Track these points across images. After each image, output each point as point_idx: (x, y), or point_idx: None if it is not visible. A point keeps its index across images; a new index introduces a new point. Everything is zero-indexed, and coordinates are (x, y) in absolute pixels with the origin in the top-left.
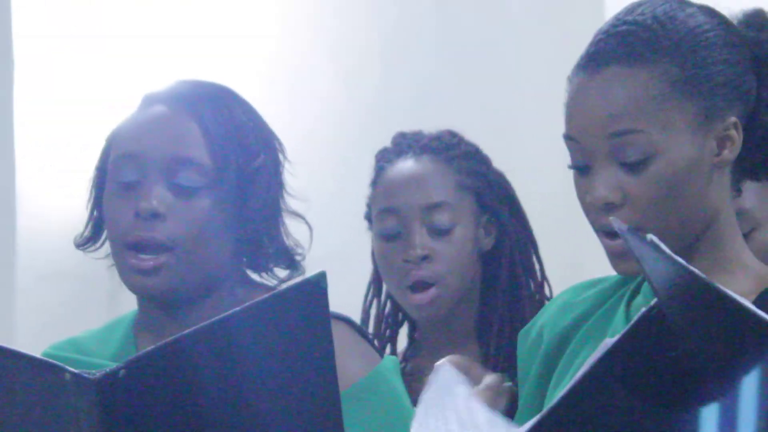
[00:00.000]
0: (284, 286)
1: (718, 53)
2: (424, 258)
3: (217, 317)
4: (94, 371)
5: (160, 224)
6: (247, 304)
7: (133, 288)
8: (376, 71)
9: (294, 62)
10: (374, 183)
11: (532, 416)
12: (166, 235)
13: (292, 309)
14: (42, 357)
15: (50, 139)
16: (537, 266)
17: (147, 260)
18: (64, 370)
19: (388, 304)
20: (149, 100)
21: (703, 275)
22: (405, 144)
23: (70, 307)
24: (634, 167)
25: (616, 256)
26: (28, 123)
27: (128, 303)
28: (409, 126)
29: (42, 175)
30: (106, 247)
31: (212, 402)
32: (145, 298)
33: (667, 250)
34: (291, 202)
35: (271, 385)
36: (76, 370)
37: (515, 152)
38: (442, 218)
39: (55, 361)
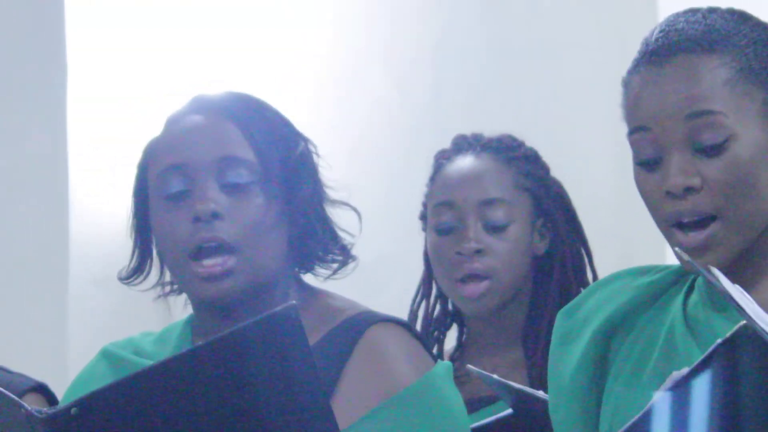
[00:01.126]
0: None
1: None
2: (478, 252)
3: (174, 354)
4: (45, 409)
5: (220, 224)
6: (208, 339)
7: (203, 297)
8: (428, 75)
9: (346, 67)
10: (432, 179)
11: (582, 397)
12: (228, 235)
13: (261, 343)
14: (2, 390)
15: (103, 143)
16: (590, 276)
17: (214, 266)
18: (20, 406)
19: (437, 306)
20: (182, 113)
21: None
22: (465, 143)
23: (122, 312)
24: (711, 151)
25: (692, 252)
26: (81, 127)
27: (180, 308)
28: (459, 130)
29: (95, 179)
30: (150, 280)
31: None
32: (216, 305)
33: (725, 284)
34: (334, 195)
35: (237, 418)
36: (29, 407)
37: (566, 156)
38: (497, 214)
39: (12, 396)
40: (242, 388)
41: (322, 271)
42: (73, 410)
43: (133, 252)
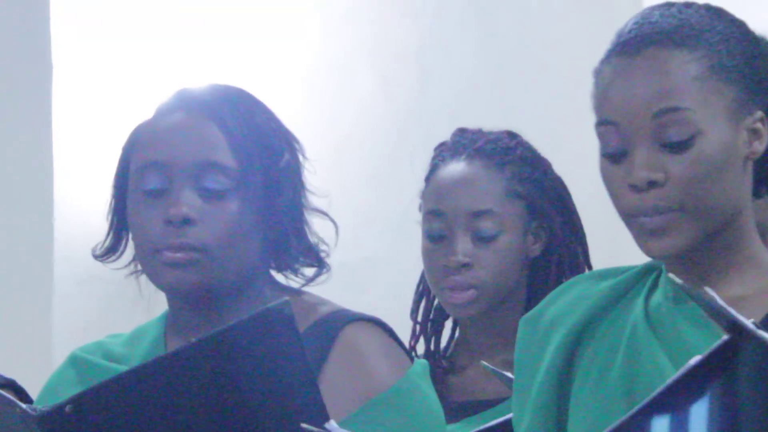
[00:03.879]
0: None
1: (749, 47)
2: (465, 265)
3: (169, 351)
4: (39, 407)
5: (191, 229)
6: (201, 336)
7: (166, 283)
8: (415, 75)
9: (333, 65)
10: (427, 179)
11: (547, 408)
12: (198, 240)
13: (255, 338)
14: None
15: (88, 144)
16: (586, 271)
17: (179, 255)
18: (15, 405)
19: (437, 300)
20: (168, 107)
21: (753, 328)
22: (462, 143)
23: (107, 311)
24: (676, 147)
25: (650, 234)
26: (66, 126)
27: (166, 306)
28: (446, 130)
29: (80, 178)
30: (126, 257)
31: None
32: (178, 294)
33: (722, 303)
34: (313, 200)
35: (231, 415)
36: (24, 405)
37: (554, 156)
38: (486, 225)
39: (6, 395)
40: (236, 385)
41: (294, 278)
42: (68, 408)
43: (109, 231)
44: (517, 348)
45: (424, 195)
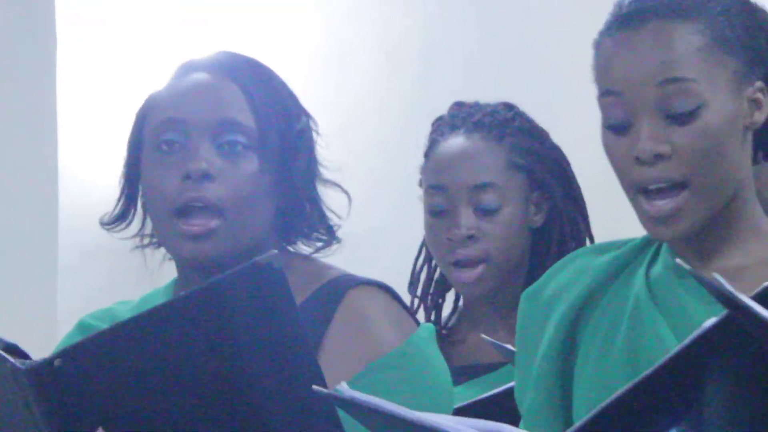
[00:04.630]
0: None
1: (748, 18)
2: (470, 237)
3: (157, 304)
4: (27, 361)
5: (209, 185)
6: (191, 289)
7: (183, 256)
8: (418, 48)
9: (337, 37)
10: (426, 155)
11: (550, 383)
12: (216, 197)
13: (245, 291)
14: None
15: (92, 115)
16: (588, 242)
17: (197, 225)
18: (4, 360)
19: (437, 271)
20: (187, 68)
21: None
22: (459, 117)
23: (112, 282)
24: (681, 118)
25: (654, 220)
26: (70, 97)
27: (168, 276)
28: (449, 103)
29: (84, 149)
30: (133, 228)
31: (155, 388)
32: (195, 265)
33: (731, 289)
34: (327, 174)
35: (218, 367)
36: (12, 359)
37: (558, 131)
38: (489, 198)
39: None
40: (225, 338)
41: (304, 247)
42: (57, 361)
43: (119, 199)
44: (518, 323)
45: (425, 170)
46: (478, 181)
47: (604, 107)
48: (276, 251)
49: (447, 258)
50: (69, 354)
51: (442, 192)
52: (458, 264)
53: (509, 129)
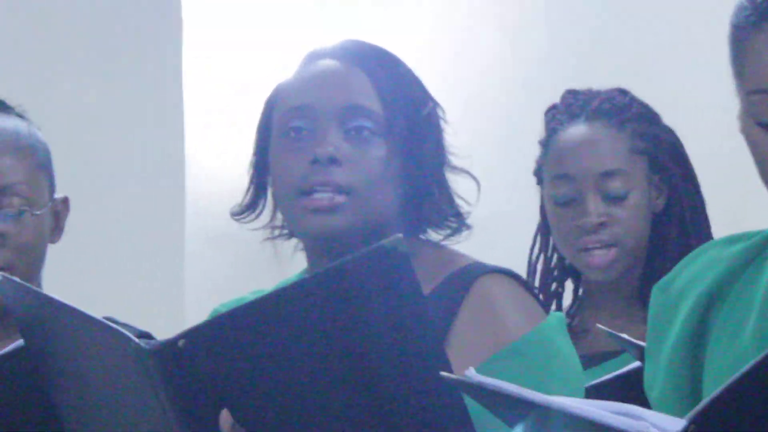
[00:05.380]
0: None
1: None
2: (601, 225)
3: (281, 286)
4: (152, 341)
5: (336, 169)
6: (317, 271)
7: (309, 230)
8: (542, 30)
9: (459, 22)
10: (545, 145)
11: (679, 372)
12: (343, 180)
13: (370, 275)
14: (112, 325)
15: (218, 102)
16: (705, 225)
17: (323, 199)
18: (129, 340)
19: (554, 258)
20: (315, 56)
21: None
22: (576, 106)
23: (238, 269)
24: None
25: None
26: (196, 87)
27: (297, 264)
28: (573, 84)
29: (211, 137)
30: (262, 219)
31: (279, 369)
32: (321, 240)
33: None
34: (455, 161)
35: (343, 349)
36: (137, 340)
37: (680, 111)
38: (616, 185)
39: (121, 330)
40: (350, 320)
41: (434, 234)
42: (181, 342)
43: (248, 188)
44: (649, 314)
45: (546, 160)
46: (604, 168)
47: (755, 104)
48: (401, 235)
49: (577, 245)
50: (193, 335)
51: (569, 181)
52: (588, 249)
53: (628, 115)
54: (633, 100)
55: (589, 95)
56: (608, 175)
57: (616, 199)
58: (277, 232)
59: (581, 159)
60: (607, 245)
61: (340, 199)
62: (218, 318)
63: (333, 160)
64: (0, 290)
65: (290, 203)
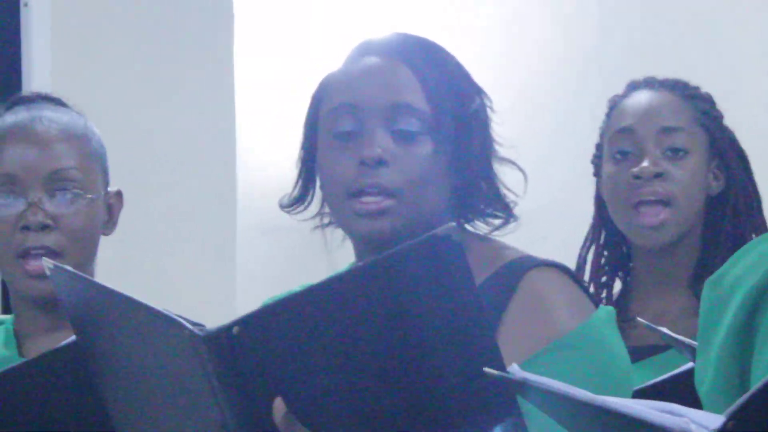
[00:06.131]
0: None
1: None
2: (657, 176)
3: (335, 274)
4: (206, 328)
5: (384, 171)
6: (370, 259)
7: (358, 233)
8: (594, 18)
9: (511, 10)
10: (608, 116)
11: (729, 367)
12: (391, 182)
13: (423, 264)
14: (165, 311)
15: (270, 93)
16: (760, 221)
17: (372, 203)
18: (182, 326)
19: (606, 252)
20: (362, 51)
21: None
22: (642, 82)
23: (290, 261)
24: None
25: None
26: (248, 79)
27: (347, 257)
28: (625, 74)
29: (262, 130)
30: (312, 208)
31: (331, 357)
32: (370, 243)
33: None
34: (502, 151)
35: (395, 338)
36: (191, 326)
37: (738, 103)
38: (677, 140)
39: (174, 316)
40: (402, 309)
41: (481, 226)
42: (235, 329)
43: (297, 181)
44: (701, 308)
45: (607, 127)
46: (666, 124)
47: None
48: (454, 224)
49: (631, 199)
50: (248, 322)
51: (630, 134)
52: (641, 206)
53: (696, 92)
54: (698, 87)
55: (653, 77)
56: (670, 130)
57: (676, 155)
58: (326, 220)
59: (645, 114)
60: (661, 201)
61: (388, 202)
62: (272, 305)
63: (381, 162)
64: (52, 279)
65: (339, 205)
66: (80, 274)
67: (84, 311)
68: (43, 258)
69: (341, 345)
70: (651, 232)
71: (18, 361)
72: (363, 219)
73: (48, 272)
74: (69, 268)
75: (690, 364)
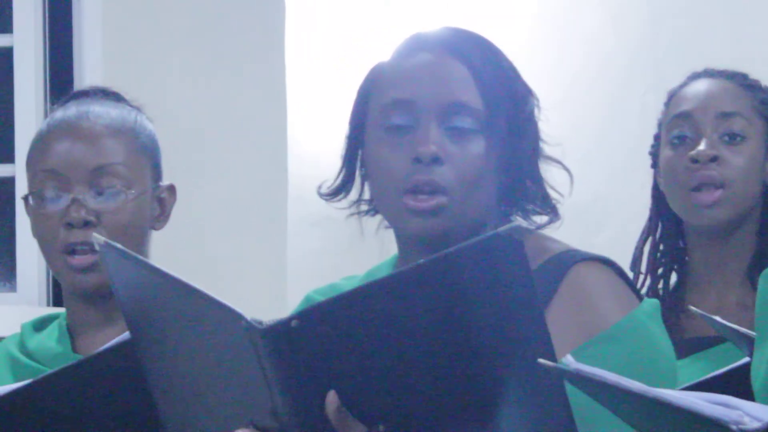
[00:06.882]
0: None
1: None
2: (713, 159)
3: (397, 270)
4: (265, 321)
5: (438, 169)
6: (429, 257)
7: (410, 231)
8: (644, 11)
9: (562, 4)
10: (666, 105)
11: None
12: (444, 180)
13: (483, 262)
14: (223, 301)
15: (321, 84)
16: None
17: (425, 201)
18: (240, 318)
19: (661, 246)
20: (415, 45)
21: None
22: (701, 72)
23: (340, 252)
24: None
25: None
26: (299, 70)
27: (396, 249)
28: (676, 67)
29: (313, 121)
30: (351, 197)
31: (387, 354)
32: (421, 241)
33: None
34: (547, 149)
35: (452, 337)
36: (249, 318)
37: None
38: (735, 125)
39: (232, 308)
40: (460, 307)
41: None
42: (294, 322)
43: (340, 171)
44: (757, 301)
45: (665, 116)
46: (725, 109)
47: None
48: (517, 224)
49: (688, 182)
50: (306, 316)
51: (688, 119)
52: (698, 188)
53: (755, 83)
54: (757, 80)
55: (711, 68)
56: (728, 115)
57: (734, 140)
58: (363, 207)
59: (703, 100)
60: (716, 184)
61: (441, 200)
62: (331, 300)
63: (435, 160)
64: (103, 260)
65: (391, 200)
66: (133, 254)
67: (134, 292)
68: (94, 234)
69: (397, 341)
70: (706, 211)
71: (72, 356)
72: (416, 217)
73: (97, 248)
74: (121, 246)
75: (746, 359)
